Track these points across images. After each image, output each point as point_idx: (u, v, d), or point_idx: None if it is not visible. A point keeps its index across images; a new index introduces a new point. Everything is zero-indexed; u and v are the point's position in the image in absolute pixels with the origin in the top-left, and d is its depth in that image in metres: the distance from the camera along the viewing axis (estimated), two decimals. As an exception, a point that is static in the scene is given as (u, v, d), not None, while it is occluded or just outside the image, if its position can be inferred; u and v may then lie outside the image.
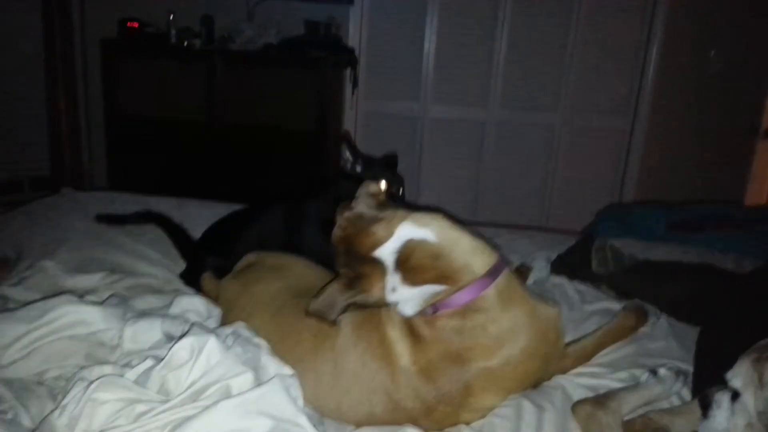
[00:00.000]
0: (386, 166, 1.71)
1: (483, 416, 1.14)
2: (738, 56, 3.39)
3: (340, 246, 1.13)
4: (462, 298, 1.08)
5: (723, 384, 1.04)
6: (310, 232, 1.67)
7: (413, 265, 1.07)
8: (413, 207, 1.22)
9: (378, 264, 1.08)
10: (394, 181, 1.66)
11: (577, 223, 3.03)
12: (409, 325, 1.12)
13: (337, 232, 1.14)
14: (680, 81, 3.48)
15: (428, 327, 1.10)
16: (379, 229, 1.09)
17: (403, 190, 1.70)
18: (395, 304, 1.12)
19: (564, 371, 1.28)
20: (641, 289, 1.55)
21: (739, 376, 1.01)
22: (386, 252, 1.08)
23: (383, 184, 1.58)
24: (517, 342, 1.11)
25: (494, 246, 1.18)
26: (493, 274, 1.10)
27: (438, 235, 1.09)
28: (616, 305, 1.53)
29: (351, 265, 1.10)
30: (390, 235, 1.08)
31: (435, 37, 3.52)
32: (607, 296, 1.60)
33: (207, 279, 1.53)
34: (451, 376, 1.08)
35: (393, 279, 1.08)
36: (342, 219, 1.13)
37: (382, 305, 1.13)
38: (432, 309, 1.10)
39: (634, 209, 2.39)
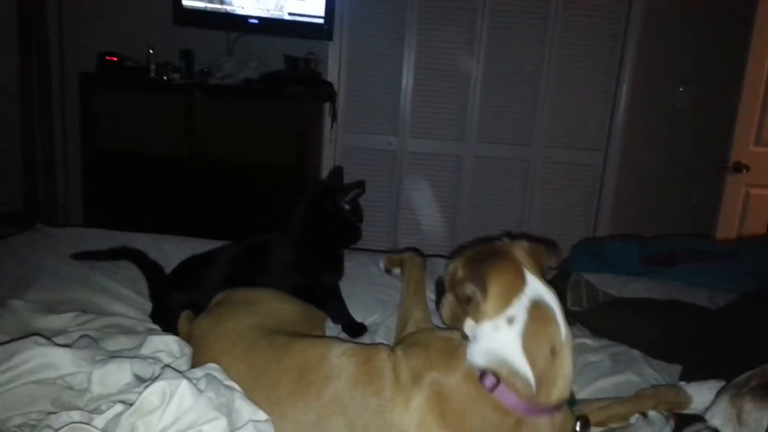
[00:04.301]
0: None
1: None
2: (706, 91, 3.50)
3: None
4: None
5: (703, 422, 1.04)
6: (275, 267, 1.66)
7: None
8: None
9: None
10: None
11: (554, 257, 3.05)
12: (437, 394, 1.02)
13: None
14: (650, 116, 3.58)
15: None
16: None
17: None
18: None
19: None
20: (615, 326, 1.56)
21: (718, 414, 1.02)
22: None
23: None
24: None
25: None
26: None
27: None
28: (591, 342, 1.54)
29: None
30: None
31: (412, 73, 3.58)
32: (582, 333, 1.60)
33: (183, 320, 1.46)
34: None
35: None
36: None
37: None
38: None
39: (608, 243, 2.42)
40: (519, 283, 1.01)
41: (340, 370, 1.09)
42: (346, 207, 1.69)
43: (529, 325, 0.99)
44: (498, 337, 0.99)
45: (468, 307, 1.03)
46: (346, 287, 1.78)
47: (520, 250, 1.08)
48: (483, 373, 1.00)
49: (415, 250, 1.66)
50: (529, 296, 1.00)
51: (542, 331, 0.99)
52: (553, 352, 0.99)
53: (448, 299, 1.12)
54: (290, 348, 1.17)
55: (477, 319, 1.01)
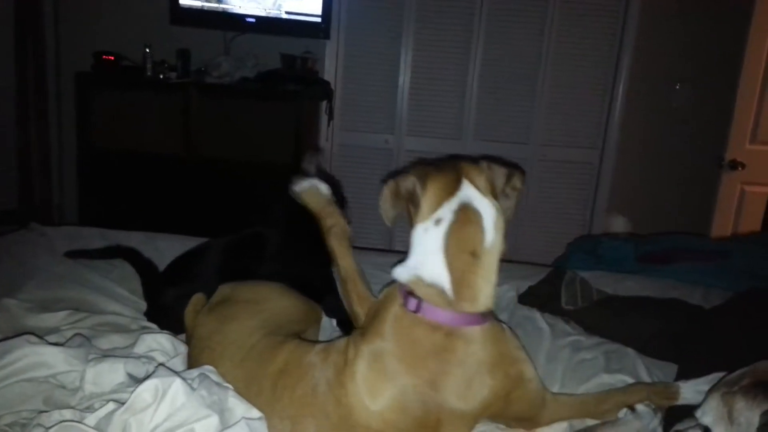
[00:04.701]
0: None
1: None
2: (702, 89, 3.50)
3: None
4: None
5: (694, 419, 1.04)
6: (269, 258, 1.65)
7: None
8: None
9: None
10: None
11: (548, 255, 3.07)
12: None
13: None
14: (647, 114, 3.58)
15: None
16: None
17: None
18: None
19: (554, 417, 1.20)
20: (609, 324, 1.56)
21: (709, 412, 1.01)
22: None
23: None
24: None
25: None
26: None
27: None
28: (585, 340, 1.54)
29: None
30: None
31: (409, 71, 3.58)
32: (576, 331, 1.60)
33: (192, 306, 1.41)
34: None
35: None
36: None
37: None
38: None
39: (604, 241, 2.42)
40: (453, 188, 1.06)
41: (308, 370, 1.10)
42: (311, 168, 1.68)
43: (453, 226, 1.04)
44: (425, 240, 1.05)
45: (412, 206, 1.08)
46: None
47: (472, 168, 1.11)
48: (406, 299, 1.05)
49: (337, 196, 1.56)
50: (459, 199, 1.05)
51: (463, 232, 1.04)
52: (474, 255, 1.03)
53: (388, 188, 1.13)
54: (279, 351, 1.16)
55: (416, 221, 1.07)
